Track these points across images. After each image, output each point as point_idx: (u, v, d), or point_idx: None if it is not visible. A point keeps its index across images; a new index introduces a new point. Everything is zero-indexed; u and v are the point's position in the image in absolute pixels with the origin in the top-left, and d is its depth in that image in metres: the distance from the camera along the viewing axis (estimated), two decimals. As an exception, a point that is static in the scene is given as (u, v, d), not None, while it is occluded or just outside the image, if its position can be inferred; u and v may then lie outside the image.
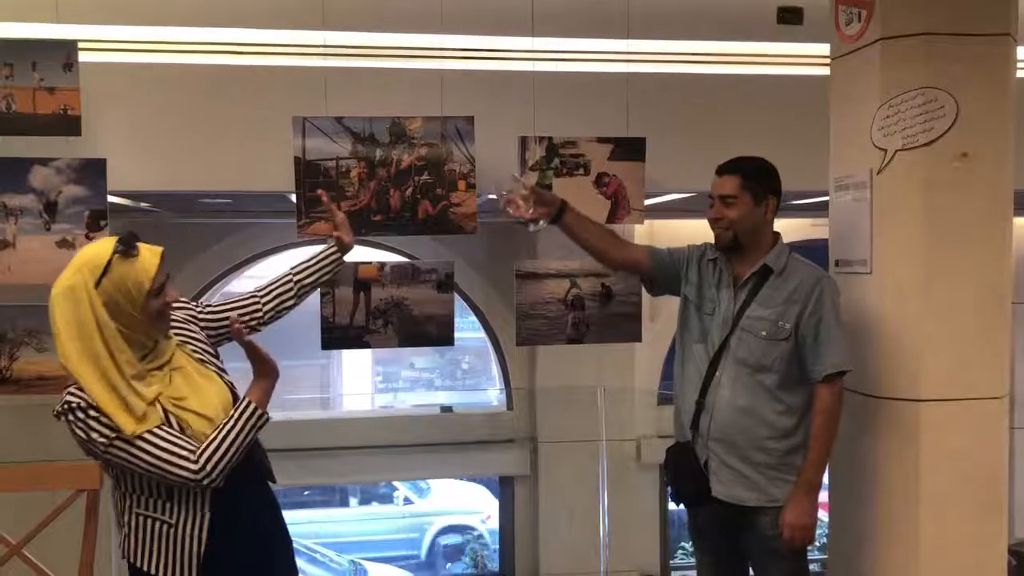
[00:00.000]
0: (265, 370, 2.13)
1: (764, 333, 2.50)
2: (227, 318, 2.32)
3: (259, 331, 2.42)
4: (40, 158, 3.14)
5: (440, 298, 3.42)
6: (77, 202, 3.17)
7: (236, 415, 2.06)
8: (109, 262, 1.97)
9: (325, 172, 3.23)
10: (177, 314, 2.23)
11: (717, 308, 2.60)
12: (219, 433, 2.03)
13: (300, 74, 3.39)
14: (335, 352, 9.80)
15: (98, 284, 1.96)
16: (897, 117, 2.57)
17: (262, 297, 2.43)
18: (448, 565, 10.66)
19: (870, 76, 2.65)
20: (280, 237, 6.36)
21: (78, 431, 1.98)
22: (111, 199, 3.28)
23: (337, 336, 3.38)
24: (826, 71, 2.91)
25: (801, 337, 2.48)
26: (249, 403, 2.08)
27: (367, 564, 10.66)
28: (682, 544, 8.36)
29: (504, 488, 7.26)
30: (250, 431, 2.06)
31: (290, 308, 2.46)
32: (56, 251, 3.15)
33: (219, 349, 2.35)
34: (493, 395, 7.85)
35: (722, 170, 2.60)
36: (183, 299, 2.31)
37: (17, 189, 3.12)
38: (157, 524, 2.08)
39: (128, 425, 1.96)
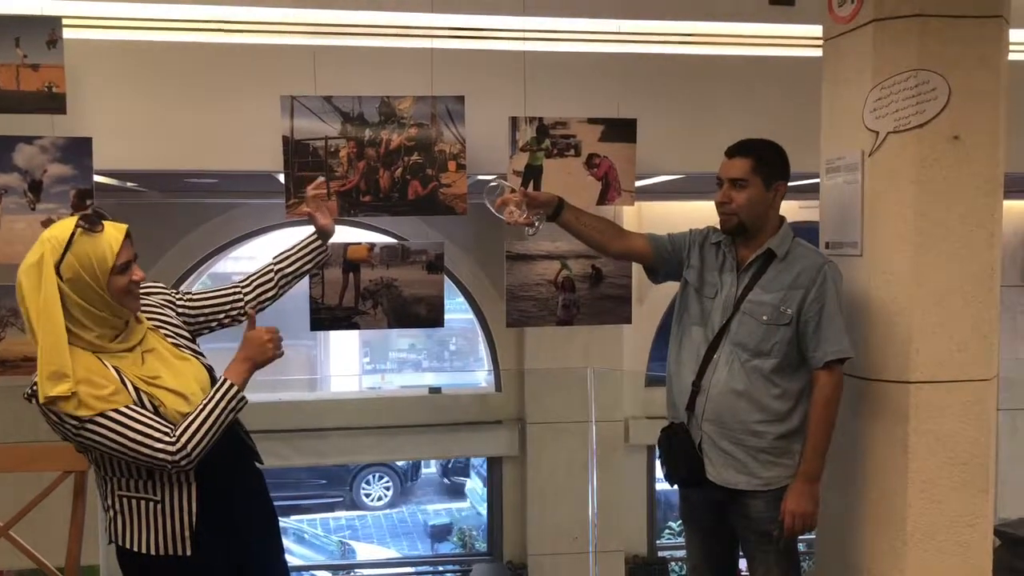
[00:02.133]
0: (250, 352, 2.11)
1: (765, 317, 2.49)
2: (207, 308, 2.31)
3: (240, 323, 2.37)
4: (25, 136, 3.10)
5: (430, 279, 3.41)
6: (62, 181, 3.13)
7: (216, 395, 2.05)
8: (72, 237, 1.95)
9: (313, 152, 3.20)
10: (152, 299, 2.22)
11: (719, 291, 2.58)
12: (198, 412, 2.02)
13: (289, 53, 3.36)
14: (322, 333, 9.79)
15: (62, 260, 1.94)
16: (889, 99, 2.56)
17: (243, 288, 2.38)
18: (435, 545, 10.72)
19: (862, 58, 2.63)
20: (268, 217, 6.33)
21: (51, 413, 1.96)
22: (96, 178, 3.24)
23: (326, 317, 3.37)
24: (818, 53, 2.89)
25: (803, 323, 2.48)
26: (229, 384, 2.06)
27: (355, 544, 10.70)
28: (669, 524, 8.42)
29: (492, 469, 7.29)
30: (229, 412, 2.05)
31: (271, 299, 2.41)
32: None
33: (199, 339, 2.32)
34: (481, 376, 7.85)
35: (733, 152, 2.55)
36: (160, 284, 2.30)
37: (1, 167, 3.09)
38: (143, 503, 2.07)
39: (97, 404, 1.94)
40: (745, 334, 2.51)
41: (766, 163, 2.53)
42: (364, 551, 10.59)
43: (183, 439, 1.98)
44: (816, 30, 2.91)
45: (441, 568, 9.05)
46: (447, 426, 6.96)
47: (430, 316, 3.42)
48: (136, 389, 2.01)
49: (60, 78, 3.07)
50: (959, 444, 2.54)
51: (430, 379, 12.59)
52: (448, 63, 3.36)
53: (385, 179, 3.23)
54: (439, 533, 10.84)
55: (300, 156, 3.18)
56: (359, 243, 3.40)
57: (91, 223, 1.97)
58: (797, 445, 2.52)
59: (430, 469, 12.67)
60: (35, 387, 1.94)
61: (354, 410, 6.84)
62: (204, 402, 2.04)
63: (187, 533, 2.08)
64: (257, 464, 2.33)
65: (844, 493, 2.70)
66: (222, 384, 2.06)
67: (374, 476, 11.68)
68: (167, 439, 1.97)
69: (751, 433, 2.50)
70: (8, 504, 2.87)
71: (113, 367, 2.01)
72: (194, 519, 2.08)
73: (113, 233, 2.00)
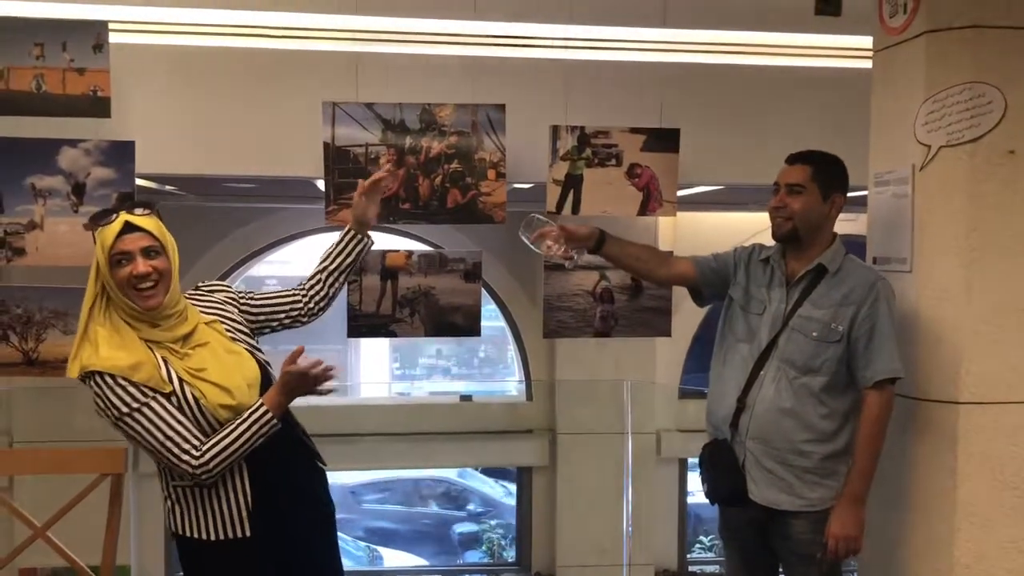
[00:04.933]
0: (293, 387, 2.12)
1: (815, 334, 2.44)
2: (266, 309, 2.37)
3: (301, 324, 2.44)
4: (69, 139, 3.12)
5: (467, 288, 3.39)
6: (105, 184, 3.15)
7: (249, 418, 2.09)
8: (96, 230, 2.06)
9: (354, 159, 3.20)
10: (216, 295, 2.29)
11: (767, 307, 2.54)
12: (229, 432, 2.07)
13: (331, 59, 3.36)
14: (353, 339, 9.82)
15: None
16: (942, 112, 2.50)
17: (300, 292, 2.43)
18: (464, 553, 10.68)
19: (914, 70, 2.58)
20: (304, 223, 6.35)
21: (97, 399, 2.03)
22: (138, 182, 3.26)
23: (363, 324, 3.36)
24: (865, 64, 2.84)
25: (853, 340, 2.42)
26: (265, 410, 2.09)
27: (382, 550, 10.70)
28: (700, 539, 8.33)
29: (522, 478, 7.25)
30: (258, 436, 2.09)
31: (325, 299, 2.45)
32: (83, 234, 3.13)
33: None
34: (512, 385, 7.82)
35: (793, 159, 2.54)
36: (224, 283, 2.37)
37: (46, 170, 3.11)
38: (197, 491, 2.12)
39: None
40: (794, 351, 2.46)
41: (825, 173, 2.49)
42: (391, 557, 10.58)
43: (208, 455, 2.04)
44: (863, 41, 2.86)
45: (469, 577, 9.01)
46: (477, 434, 6.93)
47: (467, 325, 3.40)
48: (180, 381, 2.06)
49: (105, 82, 3.09)
50: (1010, 468, 2.46)
51: (460, 386, 12.60)
52: (490, 71, 3.35)
53: (425, 187, 3.22)
54: (467, 541, 10.80)
55: (340, 163, 3.17)
56: (397, 250, 3.39)
57: (101, 217, 2.05)
58: (843, 466, 2.46)
59: (460, 477, 12.64)
60: (89, 369, 2.02)
61: (384, 416, 6.84)
62: (237, 423, 2.08)
63: (244, 514, 2.13)
64: (320, 464, 2.37)
65: (888, 516, 2.63)
66: (257, 408, 2.10)
67: (403, 482, 11.67)
68: (194, 452, 2.03)
69: (797, 452, 2.45)
70: (40, 503, 2.89)
71: (162, 358, 2.07)
72: (250, 499, 2.13)
73: (112, 227, 2.03)
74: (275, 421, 2.10)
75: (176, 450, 2.02)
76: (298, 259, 8.66)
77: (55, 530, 2.80)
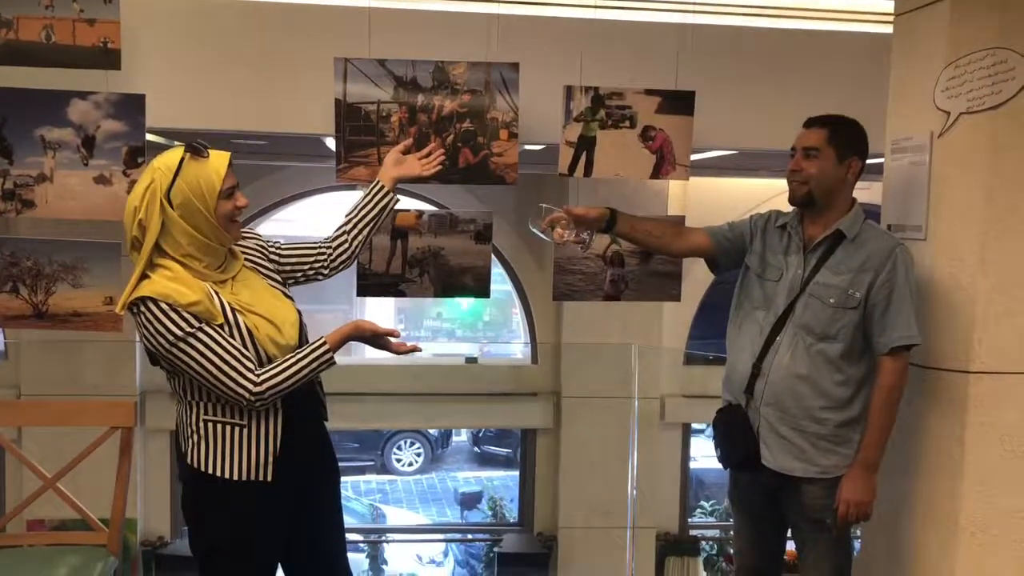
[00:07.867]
0: (355, 330, 2.19)
1: (832, 300, 2.43)
2: (293, 259, 2.39)
3: (323, 277, 2.46)
4: (79, 91, 3.09)
5: (477, 249, 3.37)
6: (115, 137, 3.12)
7: (308, 351, 2.13)
8: (181, 163, 2.05)
9: (365, 116, 3.16)
10: (248, 243, 2.31)
11: (784, 274, 2.53)
12: (287, 362, 2.10)
13: (344, 14, 3.31)
14: (358, 299, 9.83)
15: (172, 186, 2.04)
16: (963, 78, 2.46)
17: (326, 247, 2.46)
18: (465, 513, 10.79)
19: (936, 34, 2.54)
20: (313, 181, 6.32)
21: (148, 324, 2.03)
22: (147, 136, 3.23)
23: (373, 284, 3.35)
24: (885, 29, 2.80)
25: (870, 307, 2.41)
26: (326, 347, 2.13)
27: (385, 508, 10.82)
28: (701, 503, 8.41)
29: (526, 440, 7.30)
30: (315, 369, 2.13)
31: (348, 253, 2.49)
32: (93, 187, 3.12)
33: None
34: (517, 348, 7.85)
35: (810, 123, 2.53)
36: (255, 232, 2.40)
37: (56, 122, 3.08)
38: (229, 428, 2.14)
39: (191, 296, 2.03)
40: (811, 317, 2.45)
41: (841, 136, 2.47)
42: (394, 515, 10.69)
43: (267, 382, 2.07)
44: (884, 5, 2.81)
45: (471, 536, 9.12)
46: (482, 396, 6.97)
47: (476, 286, 3.39)
48: (233, 311, 2.09)
49: (115, 34, 3.05)
50: (1018, 438, 2.46)
51: (465, 349, 12.66)
52: (504, 29, 3.29)
53: (436, 146, 3.18)
54: (469, 501, 10.92)
55: (352, 120, 3.14)
56: (408, 210, 3.37)
57: (197, 150, 2.07)
58: (857, 433, 2.46)
59: (460, 437, 12.77)
60: (139, 299, 2.03)
61: (390, 376, 6.87)
62: (297, 354, 2.12)
63: (270, 459, 2.15)
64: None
65: (894, 483, 2.64)
66: (318, 343, 2.14)
67: (405, 442, 11.79)
68: (253, 378, 2.06)
69: (812, 419, 2.45)
70: (46, 457, 2.91)
71: (213, 290, 2.10)
72: (279, 446, 2.15)
73: (218, 159, 2.10)
74: (333, 359, 2.14)
75: (234, 374, 2.04)
76: (305, 217, 8.65)
77: (68, 485, 2.83)
